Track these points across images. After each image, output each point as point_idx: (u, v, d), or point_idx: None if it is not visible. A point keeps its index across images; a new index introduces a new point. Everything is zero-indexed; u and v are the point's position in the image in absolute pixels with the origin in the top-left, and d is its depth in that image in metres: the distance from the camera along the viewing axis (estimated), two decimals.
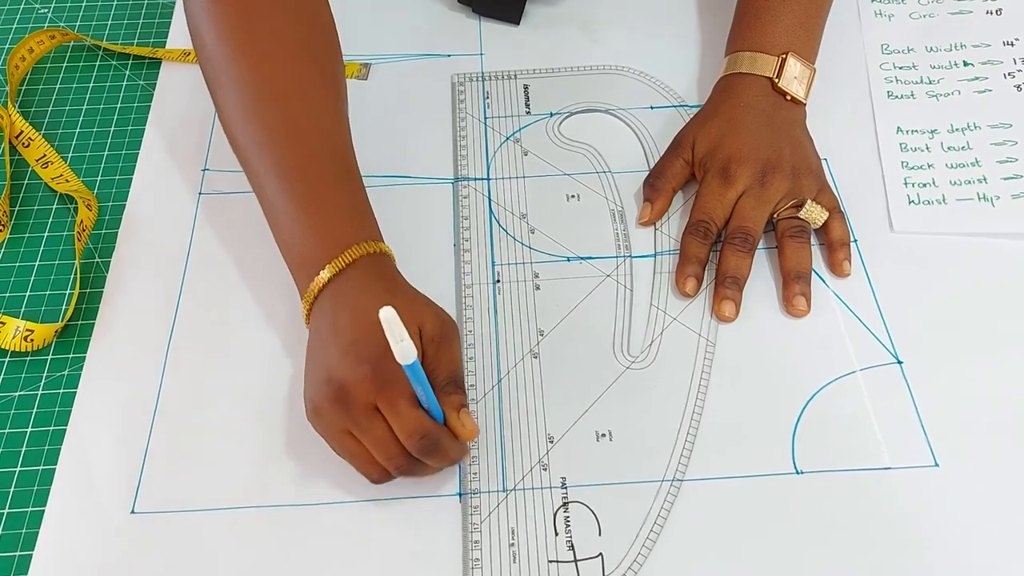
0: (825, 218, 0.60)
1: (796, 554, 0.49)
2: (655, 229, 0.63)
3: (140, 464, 0.53)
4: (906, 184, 0.64)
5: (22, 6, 0.78)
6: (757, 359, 0.56)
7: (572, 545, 0.50)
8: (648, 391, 0.55)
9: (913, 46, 0.72)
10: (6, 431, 0.54)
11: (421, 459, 0.48)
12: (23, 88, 0.72)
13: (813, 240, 0.61)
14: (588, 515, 0.51)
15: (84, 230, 0.61)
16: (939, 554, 0.49)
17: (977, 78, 0.69)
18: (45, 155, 0.67)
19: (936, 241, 0.61)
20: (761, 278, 0.60)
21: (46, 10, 0.78)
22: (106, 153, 0.68)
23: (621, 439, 0.53)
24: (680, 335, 0.57)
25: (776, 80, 0.62)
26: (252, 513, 0.51)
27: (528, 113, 0.69)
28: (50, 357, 0.57)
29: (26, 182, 0.67)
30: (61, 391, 0.56)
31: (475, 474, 0.52)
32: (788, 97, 0.63)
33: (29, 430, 0.54)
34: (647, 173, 0.64)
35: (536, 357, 0.57)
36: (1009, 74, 0.69)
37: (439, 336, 0.50)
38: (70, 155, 0.68)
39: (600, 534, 0.50)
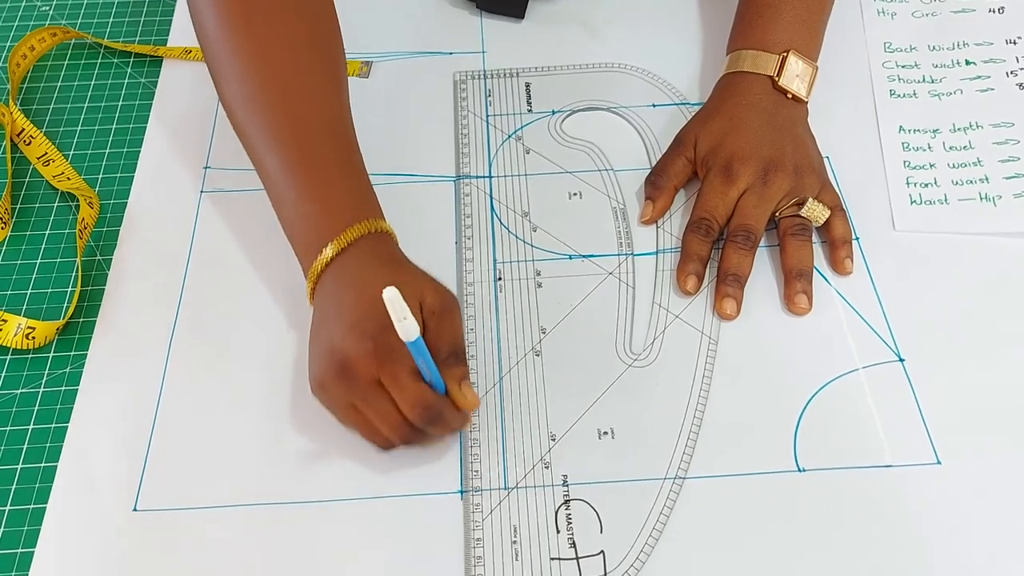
0: (827, 216, 0.60)
1: (798, 552, 0.49)
2: (657, 227, 0.63)
3: (142, 462, 0.53)
4: (908, 184, 0.64)
5: (23, 4, 0.78)
6: (759, 357, 0.56)
7: (574, 543, 0.50)
8: (650, 389, 0.55)
9: (916, 45, 0.72)
10: (7, 428, 0.54)
11: (424, 429, 0.49)
12: (24, 86, 0.72)
13: (815, 238, 0.61)
14: (590, 513, 0.51)
15: (85, 228, 0.61)
16: (941, 552, 0.49)
17: (979, 77, 0.69)
18: (46, 153, 0.67)
19: (938, 239, 0.61)
20: (763, 276, 0.60)
21: (47, 8, 0.78)
22: (107, 151, 0.68)
23: (623, 437, 0.53)
24: (682, 333, 0.57)
25: (777, 78, 0.62)
26: (254, 511, 0.51)
27: (530, 111, 0.69)
28: (52, 355, 0.57)
29: (27, 180, 0.67)
30: (63, 389, 0.56)
31: (477, 472, 0.52)
32: (789, 95, 0.63)
33: (31, 428, 0.54)
34: (649, 171, 0.64)
35: (538, 355, 0.57)
36: (1011, 72, 0.69)
37: (440, 310, 0.51)
38: (71, 153, 0.68)
39: (602, 532, 0.50)
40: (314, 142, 0.54)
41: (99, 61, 0.74)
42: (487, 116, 0.69)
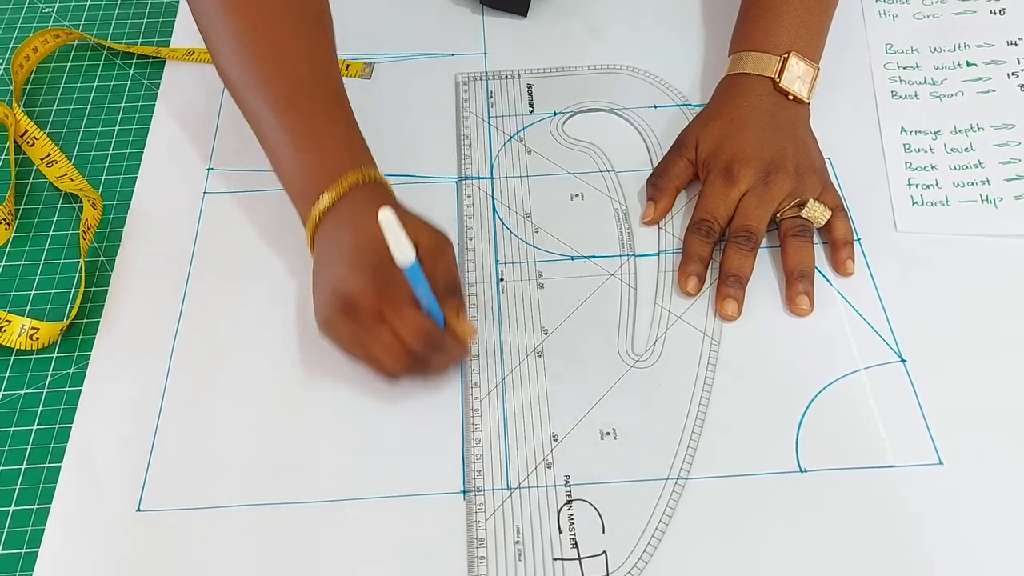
0: (828, 217, 0.60)
1: (800, 552, 0.49)
2: (659, 228, 0.63)
3: (145, 462, 0.53)
4: (910, 185, 0.64)
5: (26, 5, 0.79)
6: (761, 358, 0.56)
7: (576, 543, 0.50)
8: (652, 389, 0.55)
9: (917, 46, 0.72)
10: (11, 429, 0.55)
11: (426, 359, 0.51)
12: (28, 87, 0.73)
13: (816, 239, 0.61)
14: (592, 513, 0.51)
15: (89, 229, 0.62)
16: (943, 552, 0.49)
17: (981, 78, 0.69)
18: (50, 154, 0.67)
19: (940, 240, 0.61)
20: (765, 277, 0.60)
21: (50, 9, 0.78)
22: (110, 152, 0.68)
23: (625, 437, 0.53)
24: (684, 334, 0.57)
25: (778, 80, 0.62)
26: (258, 511, 0.51)
27: (532, 112, 0.69)
28: (55, 355, 0.58)
29: (31, 181, 0.67)
30: (66, 389, 0.56)
31: (479, 472, 0.52)
32: (791, 97, 0.63)
33: (34, 428, 0.55)
34: (650, 172, 0.64)
35: (540, 356, 0.57)
36: (1013, 74, 0.69)
37: (435, 248, 0.52)
38: (75, 154, 0.68)
39: (604, 532, 0.50)
40: (307, 96, 0.56)
41: (102, 63, 0.74)
42: (489, 117, 0.69)
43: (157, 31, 0.76)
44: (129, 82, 0.73)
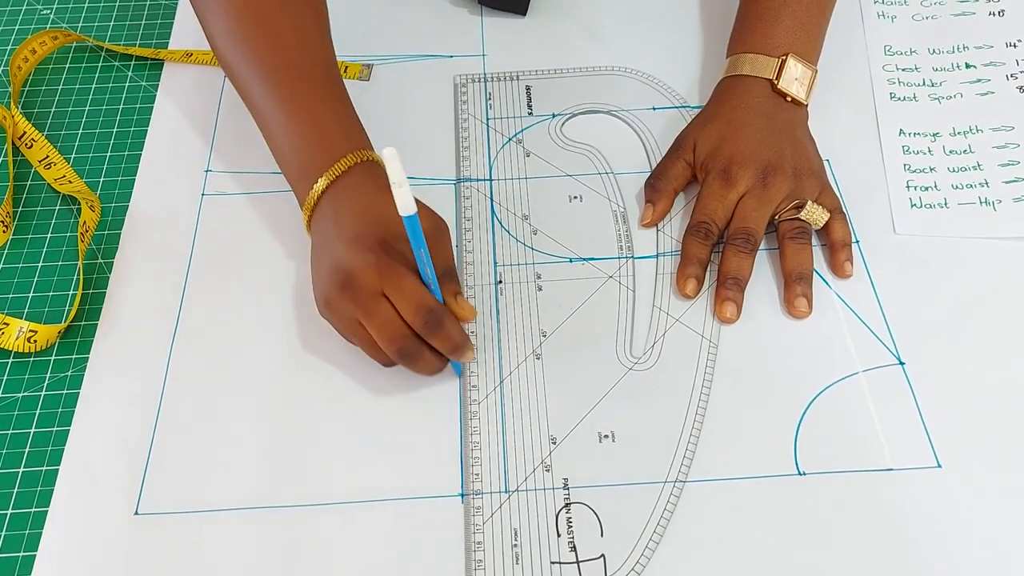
0: (826, 219, 0.60)
1: (798, 555, 0.49)
2: (657, 230, 0.63)
3: (143, 465, 0.53)
4: (908, 187, 0.64)
5: (24, 7, 0.79)
6: (759, 360, 0.56)
7: (574, 546, 0.50)
8: (651, 392, 0.55)
9: (916, 48, 0.72)
10: (9, 432, 0.55)
11: (426, 338, 0.51)
12: (26, 89, 0.73)
13: (814, 241, 0.61)
14: (590, 516, 0.51)
15: (87, 231, 0.62)
16: (942, 555, 0.49)
17: (979, 80, 0.69)
18: (48, 156, 0.67)
19: (939, 242, 0.61)
20: (763, 280, 0.60)
21: (48, 11, 0.78)
22: (109, 154, 0.68)
23: (624, 440, 0.53)
24: (682, 336, 0.57)
25: (776, 82, 0.62)
26: (256, 514, 0.51)
27: (530, 114, 0.69)
28: (53, 358, 0.58)
29: (29, 183, 0.67)
30: (64, 392, 0.56)
31: (477, 475, 0.52)
32: (789, 98, 0.63)
33: (32, 431, 0.55)
34: (649, 174, 0.64)
35: (539, 358, 0.57)
36: (1011, 75, 0.69)
37: (432, 231, 0.53)
38: (73, 156, 0.68)
39: (602, 535, 0.50)
40: (301, 76, 0.57)
41: (100, 64, 0.74)
42: (487, 119, 0.69)
43: (155, 33, 0.76)
44: (127, 84, 0.73)
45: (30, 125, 0.68)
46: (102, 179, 0.67)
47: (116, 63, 0.74)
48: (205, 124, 0.69)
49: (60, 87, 0.73)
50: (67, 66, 0.74)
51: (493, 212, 0.64)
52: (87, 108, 0.71)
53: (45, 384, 0.56)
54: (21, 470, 0.53)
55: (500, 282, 0.60)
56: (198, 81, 0.72)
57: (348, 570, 0.49)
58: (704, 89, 0.70)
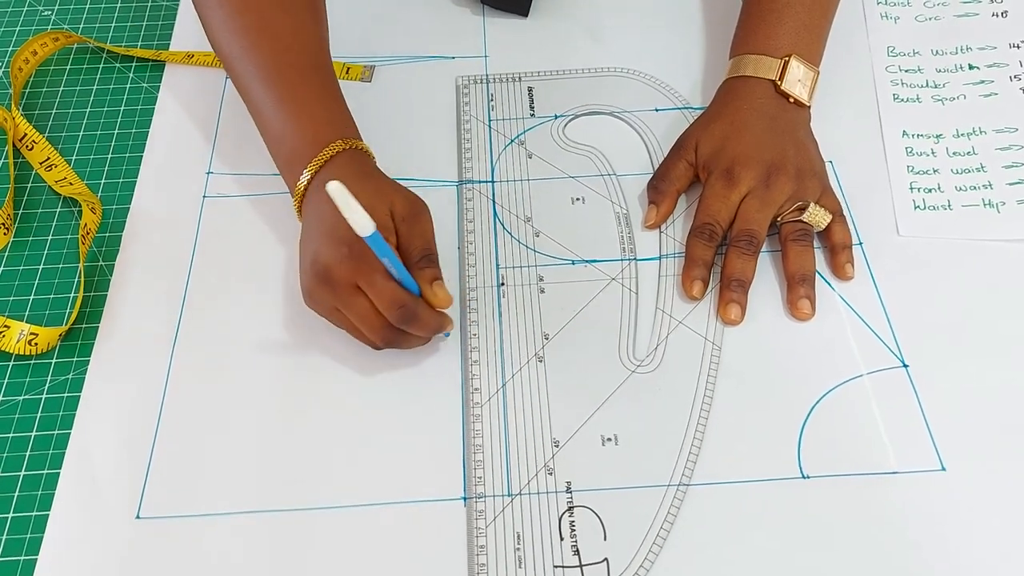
0: (828, 221, 0.60)
1: (802, 559, 0.49)
2: (660, 232, 0.63)
3: (145, 468, 0.53)
4: (912, 189, 0.64)
5: (25, 8, 0.78)
6: (763, 363, 0.56)
7: (578, 550, 0.50)
8: (654, 395, 0.55)
9: (919, 49, 0.72)
10: (10, 435, 0.54)
11: (403, 328, 0.52)
12: (27, 91, 0.72)
13: (816, 243, 0.61)
14: (594, 520, 0.51)
15: (88, 233, 0.61)
16: (946, 559, 0.49)
17: (983, 81, 0.69)
18: (49, 158, 0.67)
19: (942, 244, 0.61)
20: (766, 282, 0.60)
21: (50, 12, 0.78)
22: (110, 156, 0.68)
23: (627, 443, 0.53)
24: (686, 339, 0.57)
25: (779, 83, 0.62)
26: (257, 518, 0.51)
27: (532, 115, 0.69)
28: (54, 361, 0.57)
29: (30, 185, 0.66)
30: (65, 395, 0.56)
31: (480, 478, 0.52)
32: (791, 100, 0.63)
33: (33, 434, 0.54)
34: (651, 175, 0.64)
35: (541, 361, 0.57)
36: (1015, 76, 0.69)
37: (410, 214, 0.54)
38: (74, 158, 0.68)
39: (606, 539, 0.50)
40: (292, 67, 0.58)
41: (101, 66, 0.74)
42: (489, 120, 0.69)
43: (157, 34, 0.76)
44: (128, 85, 0.72)
45: (31, 127, 0.68)
46: (103, 181, 0.66)
47: (117, 65, 0.74)
48: (206, 126, 0.69)
49: (61, 89, 0.72)
50: (68, 68, 0.74)
51: (495, 214, 0.64)
52: (88, 110, 0.71)
53: (46, 387, 0.56)
54: (22, 474, 0.53)
55: (502, 284, 0.60)
56: (199, 83, 0.72)
57: (349, 574, 0.49)
58: (707, 90, 0.70)
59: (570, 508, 0.51)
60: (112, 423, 0.54)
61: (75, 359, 0.57)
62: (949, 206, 0.63)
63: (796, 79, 0.63)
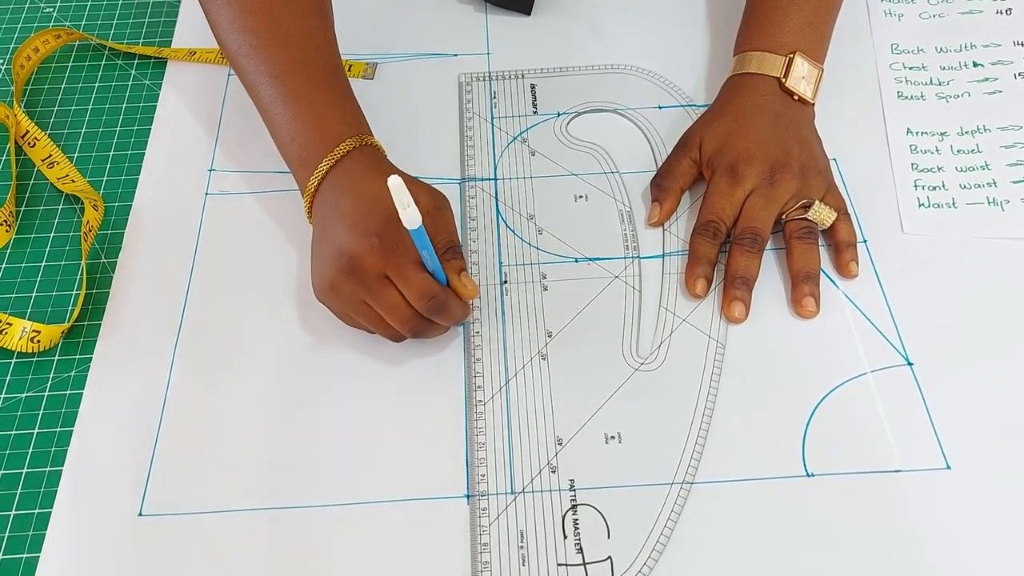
0: (833, 219, 0.60)
1: (807, 557, 0.49)
2: (663, 230, 0.62)
3: (147, 466, 0.53)
4: (916, 187, 0.64)
5: (27, 5, 0.78)
6: (767, 361, 0.56)
7: (581, 548, 0.49)
8: (657, 393, 0.55)
9: (923, 46, 0.72)
10: (12, 432, 0.54)
11: (431, 319, 0.53)
12: (29, 88, 0.72)
13: (820, 241, 0.60)
14: (597, 518, 0.50)
15: (90, 230, 0.61)
16: (950, 557, 0.49)
17: (987, 79, 0.69)
18: (51, 155, 0.67)
19: (947, 242, 0.61)
20: (770, 280, 0.60)
21: (51, 9, 0.78)
22: (112, 153, 0.68)
23: (630, 441, 0.53)
24: (689, 337, 0.57)
25: (783, 80, 0.62)
26: (260, 515, 0.51)
27: (535, 113, 0.69)
28: (56, 358, 0.57)
29: (32, 182, 0.66)
30: (68, 392, 0.56)
31: (483, 476, 0.52)
32: (796, 97, 0.62)
33: (36, 431, 0.54)
34: (655, 173, 0.64)
35: (544, 358, 0.56)
36: (1019, 74, 0.69)
37: (434, 207, 0.54)
38: (76, 155, 0.68)
39: (609, 537, 0.50)
40: (302, 64, 0.57)
41: (103, 63, 0.74)
42: (492, 118, 0.69)
43: (159, 31, 0.76)
44: (130, 83, 0.72)
45: (33, 124, 0.68)
46: (105, 178, 0.66)
47: (119, 62, 0.74)
48: (209, 123, 0.69)
49: (63, 86, 0.72)
50: (70, 65, 0.74)
51: (498, 211, 0.63)
52: (90, 107, 0.71)
53: (48, 384, 0.56)
54: (24, 471, 0.53)
55: (505, 282, 0.60)
56: (202, 80, 0.72)
57: (353, 571, 0.49)
58: (710, 87, 0.69)
59: (574, 506, 0.51)
60: (114, 420, 0.54)
61: (77, 356, 0.57)
62: (953, 204, 0.62)
63: (800, 76, 0.62)
